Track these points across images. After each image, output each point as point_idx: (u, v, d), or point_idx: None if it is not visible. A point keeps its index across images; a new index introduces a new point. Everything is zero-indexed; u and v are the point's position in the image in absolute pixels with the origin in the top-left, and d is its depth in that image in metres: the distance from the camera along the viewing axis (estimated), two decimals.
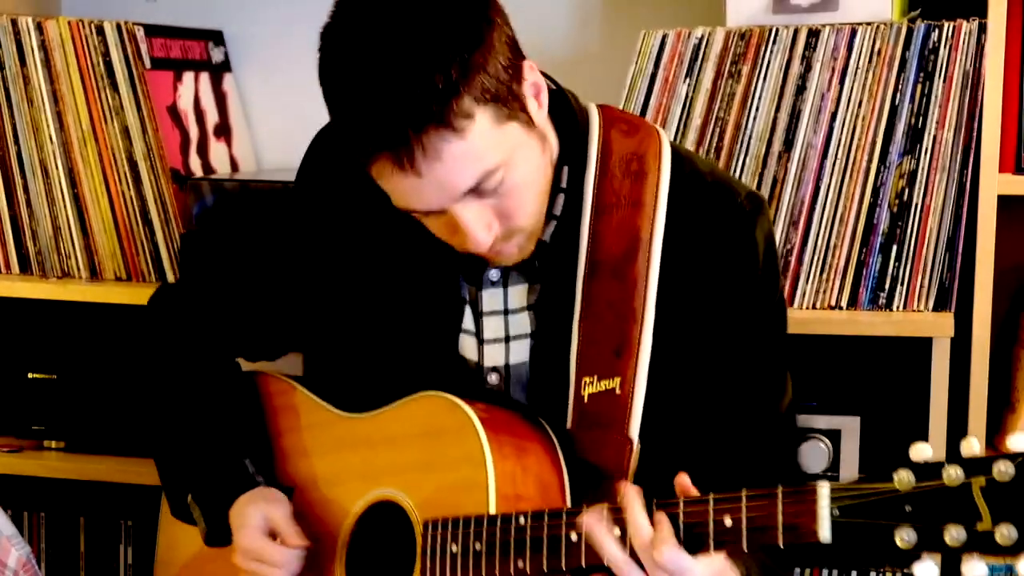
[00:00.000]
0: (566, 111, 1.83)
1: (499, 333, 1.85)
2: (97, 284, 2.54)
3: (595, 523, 1.61)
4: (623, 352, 1.79)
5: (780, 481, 1.52)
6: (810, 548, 2.34)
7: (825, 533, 1.48)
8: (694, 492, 1.60)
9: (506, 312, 1.85)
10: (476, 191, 1.66)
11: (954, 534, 1.40)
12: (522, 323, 1.84)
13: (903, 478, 1.44)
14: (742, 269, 1.82)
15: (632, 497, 1.60)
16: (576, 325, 1.81)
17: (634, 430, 1.78)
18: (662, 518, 1.57)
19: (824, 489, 1.48)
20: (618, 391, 1.78)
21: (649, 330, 1.79)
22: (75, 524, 2.65)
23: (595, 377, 1.79)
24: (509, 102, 1.64)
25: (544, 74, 1.80)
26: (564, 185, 1.82)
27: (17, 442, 2.62)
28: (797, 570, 2.38)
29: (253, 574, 1.85)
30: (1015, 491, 1.38)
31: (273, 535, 1.85)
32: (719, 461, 1.82)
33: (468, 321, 1.85)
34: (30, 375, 2.59)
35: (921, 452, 1.44)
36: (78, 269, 2.56)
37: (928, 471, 1.42)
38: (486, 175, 1.64)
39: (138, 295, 2.48)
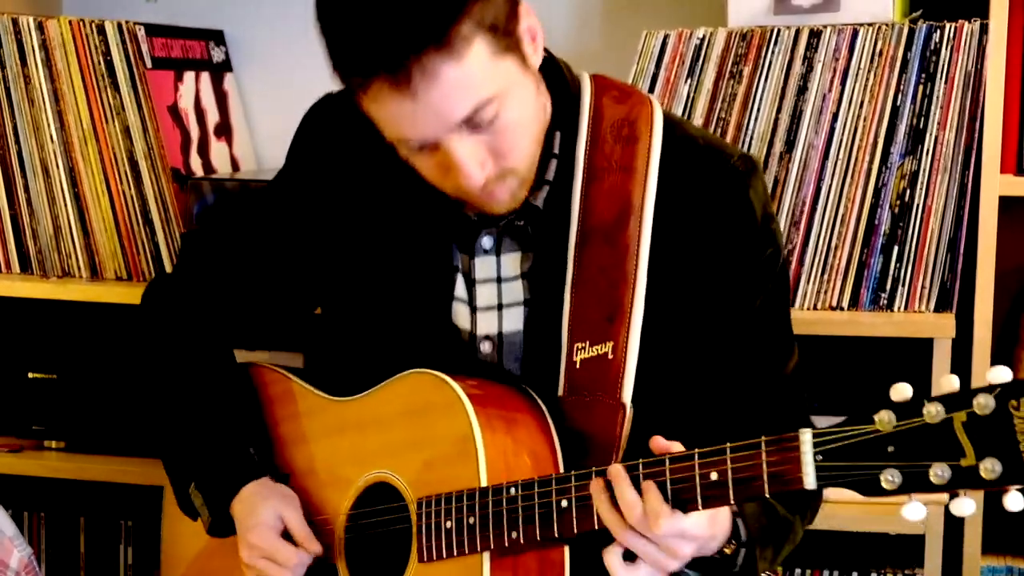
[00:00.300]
0: (558, 78, 1.83)
1: (492, 301, 1.85)
2: (98, 284, 2.54)
3: (597, 494, 1.63)
4: (615, 317, 1.78)
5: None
6: (810, 545, 2.35)
7: (810, 480, 1.48)
8: (674, 449, 1.62)
9: (499, 280, 1.84)
10: (470, 123, 1.65)
11: (939, 472, 1.40)
12: (515, 291, 1.84)
13: (884, 418, 1.43)
14: (738, 230, 1.81)
15: (619, 475, 1.61)
16: (568, 291, 1.81)
17: (627, 395, 1.77)
18: (650, 487, 1.59)
19: (807, 435, 1.49)
20: (610, 356, 1.78)
21: (641, 295, 1.78)
22: (75, 524, 2.65)
23: (587, 343, 1.79)
24: (507, 35, 1.65)
25: None
26: (556, 151, 1.82)
27: (17, 442, 2.62)
28: (798, 570, 2.38)
29: (260, 572, 1.85)
30: (997, 424, 1.37)
31: (285, 535, 1.85)
32: (722, 425, 1.80)
33: (460, 289, 1.85)
34: (30, 375, 2.59)
35: (901, 392, 1.43)
36: (79, 268, 2.56)
37: (908, 409, 1.42)
38: (481, 105, 1.64)
39: (138, 295, 2.46)
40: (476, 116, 1.64)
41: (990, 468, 1.38)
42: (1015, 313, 2.51)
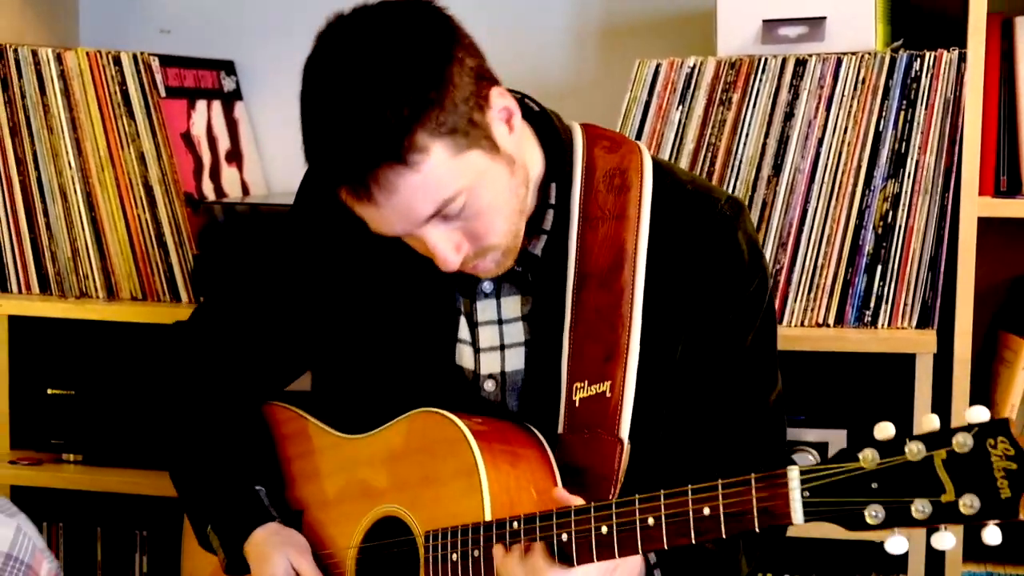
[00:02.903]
0: (550, 131, 1.83)
1: (494, 342, 1.84)
2: (114, 304, 2.54)
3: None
4: (612, 358, 1.78)
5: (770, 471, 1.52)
6: (799, 552, 2.34)
7: (798, 516, 1.48)
8: (574, 503, 1.65)
9: (500, 322, 1.84)
10: (440, 216, 1.65)
11: (920, 507, 1.40)
12: (516, 332, 1.84)
13: (868, 456, 1.44)
14: (728, 271, 1.81)
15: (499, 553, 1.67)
16: (567, 333, 1.80)
17: (624, 431, 1.78)
18: (533, 556, 1.64)
19: (794, 472, 1.48)
20: (608, 395, 1.78)
21: (637, 336, 1.78)
22: (92, 534, 2.65)
23: (586, 382, 1.79)
24: (470, 132, 1.63)
25: (527, 97, 1.81)
26: (552, 201, 1.82)
27: (37, 455, 2.62)
28: None
29: None
30: (975, 461, 1.37)
31: None
32: (710, 456, 1.82)
33: (464, 331, 1.85)
34: (49, 391, 2.59)
35: (885, 431, 1.44)
36: (95, 289, 2.56)
37: (891, 447, 1.42)
38: (445, 203, 1.64)
39: (153, 314, 2.48)
40: (443, 211, 1.64)
41: (969, 504, 1.38)
42: (994, 329, 2.51)
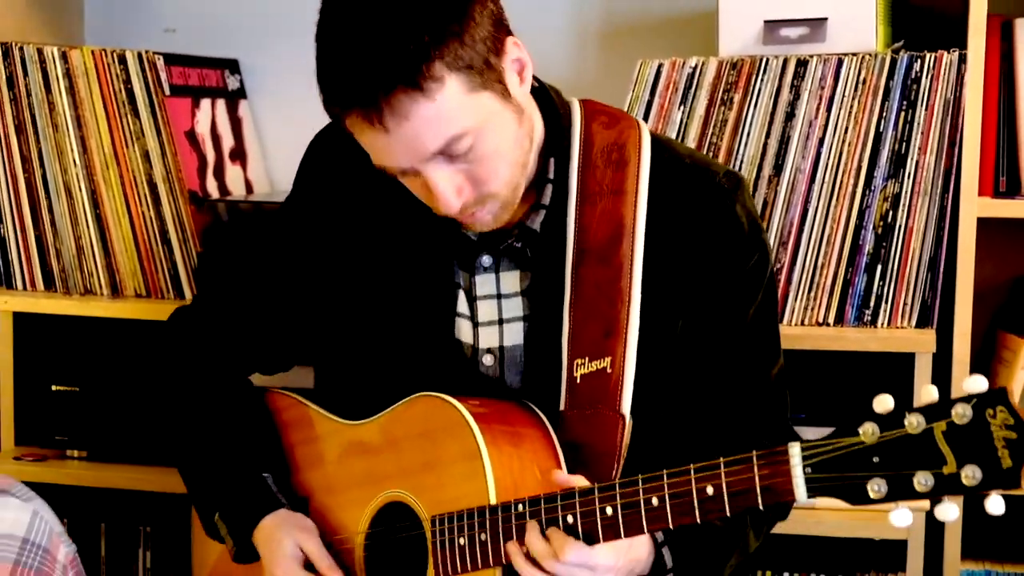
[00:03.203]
0: (549, 106, 1.83)
1: (493, 316, 1.84)
2: (118, 301, 2.54)
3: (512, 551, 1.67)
4: (612, 333, 1.78)
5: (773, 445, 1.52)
6: (798, 550, 2.34)
7: (801, 492, 1.48)
8: (575, 483, 1.65)
9: (499, 296, 1.84)
10: (445, 154, 1.65)
11: (922, 480, 1.40)
12: (515, 307, 1.84)
13: (868, 430, 1.43)
14: (727, 243, 1.81)
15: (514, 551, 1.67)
16: (567, 309, 1.81)
17: (626, 406, 1.78)
18: (554, 533, 1.64)
19: (795, 449, 1.48)
20: (609, 370, 1.78)
21: (636, 311, 1.78)
22: (96, 530, 2.65)
23: (586, 358, 1.79)
24: (484, 72, 1.64)
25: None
26: (551, 176, 1.82)
27: (41, 451, 2.62)
28: (786, 574, 2.38)
29: None
30: (975, 432, 1.37)
31: (307, 564, 1.85)
32: (713, 431, 1.82)
33: (463, 305, 1.85)
34: (54, 387, 2.59)
35: (884, 403, 1.43)
36: (100, 286, 2.56)
37: (891, 421, 1.42)
38: (454, 139, 1.64)
39: (157, 311, 2.48)
40: (449, 148, 1.64)
41: (971, 475, 1.38)
42: (993, 329, 2.51)
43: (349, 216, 1.89)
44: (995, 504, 1.37)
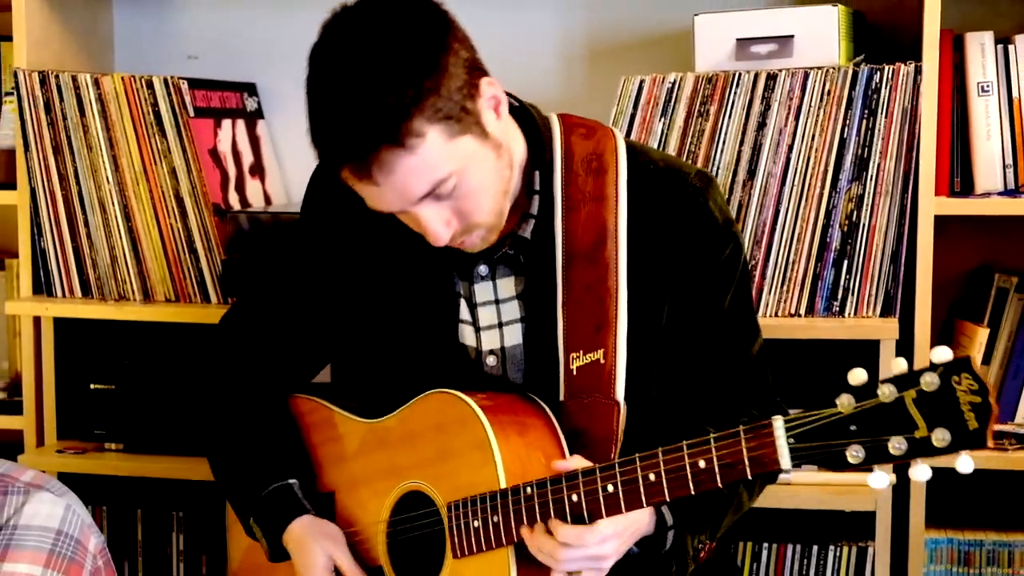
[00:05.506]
0: (530, 124, 1.83)
1: (493, 320, 1.85)
2: (150, 305, 2.53)
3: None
4: (603, 327, 1.79)
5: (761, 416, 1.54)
6: (775, 522, 2.35)
7: (785, 462, 1.50)
8: (571, 466, 1.67)
9: (497, 302, 1.85)
10: (432, 196, 1.66)
11: (896, 444, 1.42)
12: (512, 310, 1.85)
13: (845, 402, 1.45)
14: (702, 236, 1.82)
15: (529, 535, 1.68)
16: (560, 308, 1.81)
17: (619, 394, 1.79)
18: (555, 524, 1.66)
19: (779, 422, 1.50)
20: (602, 361, 1.79)
21: (623, 305, 1.79)
22: (133, 516, 2.64)
23: (581, 352, 1.80)
24: (462, 119, 1.64)
25: (508, 94, 1.79)
26: (537, 188, 1.82)
27: (81, 445, 2.62)
28: (765, 544, 2.39)
29: None
30: (943, 398, 1.39)
31: (335, 571, 1.86)
32: (702, 409, 1.83)
33: (464, 312, 1.86)
34: (92, 386, 2.59)
35: (858, 376, 1.45)
36: (133, 292, 2.56)
37: (865, 392, 1.43)
38: (438, 183, 1.65)
39: (186, 315, 2.49)
40: (435, 191, 1.65)
41: (941, 438, 1.39)
42: (951, 317, 2.52)
43: (355, 240, 1.89)
44: (964, 464, 1.39)
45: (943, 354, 1.39)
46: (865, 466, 1.45)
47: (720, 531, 1.86)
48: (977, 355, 2.34)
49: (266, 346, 1.99)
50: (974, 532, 2.38)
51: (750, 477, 1.53)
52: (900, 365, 1.43)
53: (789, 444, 1.49)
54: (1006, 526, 2.39)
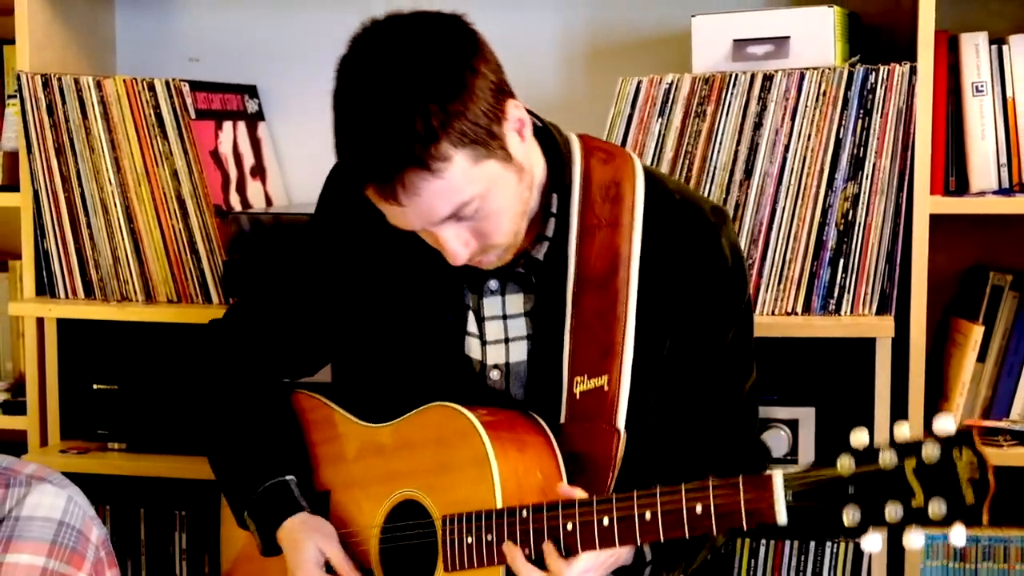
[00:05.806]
0: (551, 145, 1.83)
1: (499, 335, 1.85)
2: (151, 306, 2.54)
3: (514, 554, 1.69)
4: (609, 354, 1.79)
5: (744, 457, 1.53)
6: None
7: (782, 517, 1.50)
8: (576, 495, 1.66)
9: (504, 317, 1.85)
10: (454, 217, 1.66)
11: (893, 511, 1.42)
12: (519, 327, 1.85)
13: (845, 463, 1.44)
14: (712, 273, 1.82)
15: (514, 553, 1.69)
16: (567, 332, 1.81)
17: (620, 421, 1.78)
18: (548, 548, 1.66)
19: (779, 478, 1.50)
20: (606, 388, 1.78)
21: (631, 334, 1.79)
22: (136, 515, 2.64)
23: (585, 376, 1.80)
24: (488, 143, 1.64)
25: (530, 112, 1.79)
26: (554, 210, 1.82)
27: (85, 444, 2.62)
28: (763, 541, 2.39)
29: None
30: (942, 469, 1.39)
31: (327, 567, 1.85)
32: (692, 440, 1.83)
33: (472, 325, 1.85)
34: (95, 386, 2.59)
35: (860, 439, 1.44)
36: (135, 293, 2.56)
37: (866, 456, 1.44)
38: (462, 206, 1.65)
39: (188, 315, 2.49)
40: (458, 213, 1.66)
41: (937, 509, 1.40)
42: (946, 316, 2.52)
43: (368, 244, 1.88)
44: (958, 535, 1.39)
45: (946, 426, 1.40)
46: (860, 528, 1.45)
47: (693, 566, 1.86)
48: (972, 353, 2.34)
49: (269, 339, 1.99)
50: (970, 528, 2.37)
51: (745, 528, 1.53)
52: (903, 431, 1.43)
53: (788, 501, 1.49)
54: (1002, 522, 2.39)
